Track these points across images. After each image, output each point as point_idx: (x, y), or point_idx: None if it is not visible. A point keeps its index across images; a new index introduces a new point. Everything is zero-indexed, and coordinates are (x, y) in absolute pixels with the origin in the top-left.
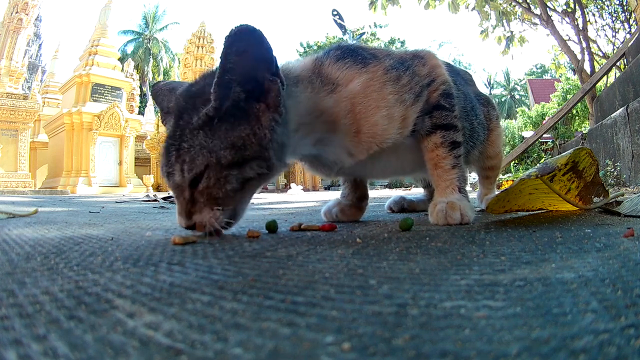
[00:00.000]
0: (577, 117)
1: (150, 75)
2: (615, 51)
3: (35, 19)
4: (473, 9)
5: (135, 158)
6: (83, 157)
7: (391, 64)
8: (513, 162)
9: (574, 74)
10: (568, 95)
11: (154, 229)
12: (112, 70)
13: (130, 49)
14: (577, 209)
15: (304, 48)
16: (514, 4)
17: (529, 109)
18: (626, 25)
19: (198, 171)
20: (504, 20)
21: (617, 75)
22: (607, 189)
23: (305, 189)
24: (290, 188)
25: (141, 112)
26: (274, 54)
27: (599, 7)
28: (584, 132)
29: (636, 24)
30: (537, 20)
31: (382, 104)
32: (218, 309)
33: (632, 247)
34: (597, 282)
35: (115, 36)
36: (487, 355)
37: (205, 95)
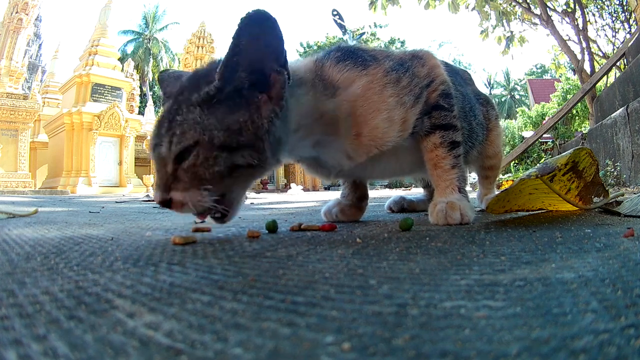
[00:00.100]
0: (577, 117)
1: (150, 75)
2: (615, 51)
3: (35, 19)
4: (473, 9)
5: (135, 158)
6: (83, 157)
7: (391, 65)
8: (513, 162)
9: (574, 74)
10: (568, 95)
11: (154, 229)
12: (112, 70)
13: (130, 49)
14: (577, 209)
15: (304, 48)
16: (514, 4)
17: (529, 109)
18: (626, 25)
19: (186, 144)
20: (504, 20)
21: (617, 75)
22: (607, 189)
23: (305, 189)
24: (290, 188)
25: (141, 112)
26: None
27: (599, 7)
28: (584, 132)
29: (636, 24)
30: (537, 20)
31: (382, 107)
32: (218, 309)
33: (632, 247)
34: (597, 282)
35: (115, 36)
36: (487, 355)
37: (210, 78)
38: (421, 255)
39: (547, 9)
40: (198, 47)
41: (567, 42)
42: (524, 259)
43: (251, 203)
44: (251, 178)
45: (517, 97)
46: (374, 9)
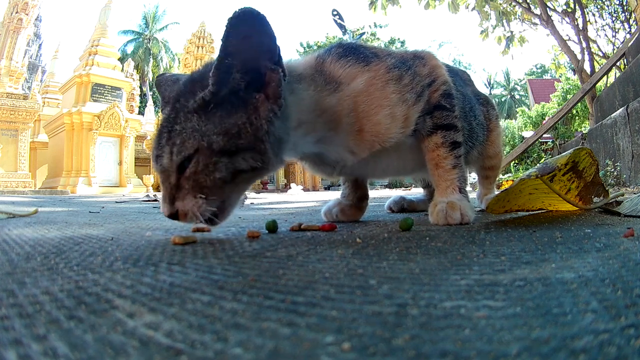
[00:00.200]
0: (577, 117)
1: (150, 75)
2: (615, 51)
3: (35, 19)
4: (473, 9)
5: (135, 158)
6: (83, 157)
7: (393, 62)
8: (513, 162)
9: (574, 74)
10: (568, 95)
11: (154, 229)
12: (112, 70)
13: (130, 49)
14: (577, 209)
15: (304, 48)
16: (514, 4)
17: (529, 109)
18: (626, 25)
19: (187, 154)
20: (504, 20)
21: (617, 75)
22: (607, 189)
23: (305, 189)
24: (290, 188)
25: (141, 112)
26: (278, 43)
27: (599, 7)
28: (584, 132)
29: (636, 24)
30: (537, 20)
31: (384, 102)
32: (218, 309)
33: (632, 247)
34: (597, 282)
35: (115, 36)
36: (487, 355)
37: (205, 81)
38: (421, 255)
39: (547, 9)
40: (198, 47)
41: (567, 42)
42: (524, 259)
43: (251, 203)
44: (253, 180)
45: (517, 97)
46: (374, 9)
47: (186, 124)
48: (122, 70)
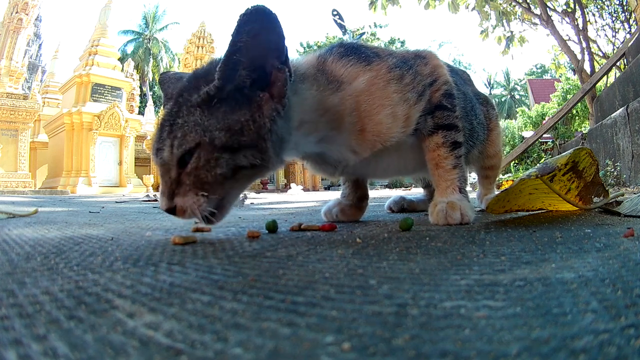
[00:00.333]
0: (577, 117)
1: (150, 75)
2: (615, 51)
3: (35, 19)
4: (473, 9)
5: (135, 158)
6: (83, 157)
7: (394, 62)
8: (513, 162)
9: (574, 74)
10: (568, 95)
11: (154, 229)
12: (112, 70)
13: (130, 49)
14: (577, 209)
15: (304, 48)
16: (514, 4)
17: (529, 109)
18: (626, 25)
19: (188, 148)
20: (504, 20)
21: (617, 75)
22: (607, 189)
23: (305, 189)
24: (290, 188)
25: (141, 112)
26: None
27: (599, 7)
28: (584, 132)
29: (636, 24)
30: (537, 20)
31: (386, 102)
32: (218, 309)
33: (632, 247)
34: (597, 282)
35: (115, 36)
36: (487, 355)
37: (210, 77)
38: (421, 255)
39: (547, 9)
40: (198, 47)
41: (567, 42)
42: (524, 259)
43: (251, 203)
44: (253, 178)
45: (517, 97)
46: (374, 9)
47: (188, 117)
48: (122, 70)
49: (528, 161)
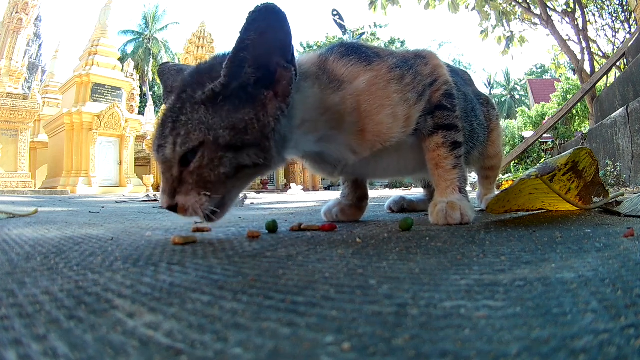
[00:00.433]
0: (577, 117)
1: (150, 75)
2: (615, 51)
3: (35, 19)
4: (473, 9)
5: (135, 158)
6: (83, 157)
7: (395, 62)
8: (513, 162)
9: (574, 74)
10: (568, 95)
11: (154, 229)
12: (112, 70)
13: (130, 49)
14: (577, 209)
15: (304, 48)
16: (514, 4)
17: (529, 109)
18: (626, 25)
19: (192, 146)
20: (504, 20)
21: (617, 75)
22: (607, 189)
23: (305, 189)
24: (290, 188)
25: (141, 112)
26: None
27: (599, 7)
28: (584, 132)
29: (636, 24)
30: (537, 20)
31: (387, 102)
32: (218, 309)
33: (632, 247)
34: (597, 282)
35: (115, 36)
36: (487, 355)
37: (214, 73)
38: (421, 255)
39: (547, 9)
40: (198, 47)
41: (567, 42)
42: (524, 259)
43: (251, 203)
44: (254, 177)
45: (517, 97)
46: (374, 9)
47: (192, 115)
48: (122, 70)
49: (528, 161)
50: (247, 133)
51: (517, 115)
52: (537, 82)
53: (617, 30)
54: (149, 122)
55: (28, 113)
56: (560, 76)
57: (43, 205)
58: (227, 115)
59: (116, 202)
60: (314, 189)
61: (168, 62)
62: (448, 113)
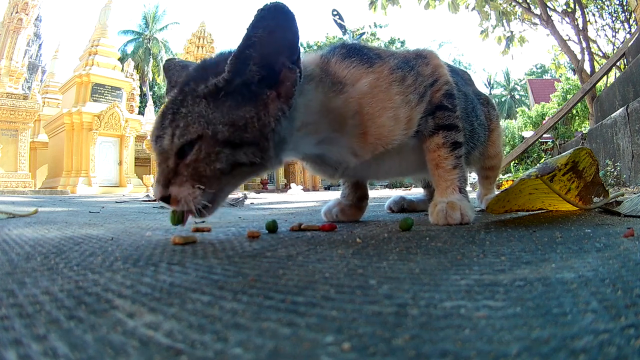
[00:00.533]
0: (577, 117)
1: (150, 75)
2: (615, 51)
3: (35, 19)
4: (473, 9)
5: (135, 158)
6: (83, 157)
7: (396, 63)
8: (513, 162)
9: (574, 74)
10: (568, 95)
11: (154, 229)
12: (112, 70)
13: (130, 49)
14: (577, 209)
15: (304, 48)
16: (514, 4)
17: (529, 109)
18: (626, 25)
19: (190, 139)
20: (504, 20)
21: (617, 75)
22: (607, 189)
23: (305, 189)
24: (290, 188)
25: (141, 112)
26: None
27: (599, 7)
28: (584, 132)
29: (636, 24)
30: (537, 20)
31: (388, 104)
32: (218, 309)
33: (632, 247)
34: (597, 282)
35: (115, 36)
36: (487, 355)
37: (218, 69)
38: (421, 255)
39: (547, 9)
40: (198, 47)
41: (567, 42)
42: (524, 259)
43: (251, 203)
44: (249, 176)
45: (517, 97)
46: (374, 9)
47: (193, 107)
48: (122, 70)
49: (528, 161)
50: (247, 131)
51: (517, 115)
52: (537, 82)
53: (617, 30)
54: (149, 122)
55: (28, 113)
56: (560, 76)
57: (43, 205)
58: (228, 111)
59: (116, 202)
60: (314, 189)
61: (174, 58)
62: (449, 113)
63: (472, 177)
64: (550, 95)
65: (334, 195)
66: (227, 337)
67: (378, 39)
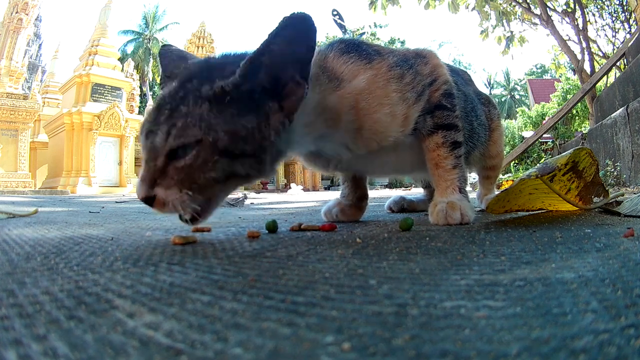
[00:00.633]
0: (577, 117)
1: (150, 75)
2: (615, 51)
3: (35, 19)
4: (473, 9)
5: (135, 158)
6: (83, 157)
7: (395, 61)
8: (513, 162)
9: (574, 74)
10: (568, 95)
11: (154, 229)
12: (112, 70)
13: (130, 49)
14: (577, 209)
15: None
16: (514, 4)
17: (529, 109)
18: (626, 25)
19: (186, 142)
20: (504, 20)
21: (617, 75)
22: (607, 189)
23: (305, 189)
24: (290, 188)
25: (141, 112)
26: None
27: (599, 7)
28: (584, 132)
29: (636, 24)
30: (537, 20)
31: (385, 101)
32: (218, 309)
33: (632, 247)
34: (597, 282)
35: (115, 36)
36: (487, 355)
37: (225, 72)
38: (421, 255)
39: (547, 9)
40: (198, 47)
41: (567, 42)
42: (524, 259)
43: (251, 203)
44: (241, 184)
45: (517, 97)
46: (374, 9)
47: (194, 108)
48: (122, 70)
49: (528, 161)
50: (247, 142)
51: (517, 115)
52: (537, 82)
53: (617, 30)
54: None
55: (28, 113)
56: (560, 76)
57: (43, 205)
58: (231, 119)
59: (116, 202)
60: (314, 189)
61: (170, 45)
62: (448, 113)
63: (472, 177)
64: (550, 95)
65: (334, 196)
66: (227, 337)
67: (378, 39)
